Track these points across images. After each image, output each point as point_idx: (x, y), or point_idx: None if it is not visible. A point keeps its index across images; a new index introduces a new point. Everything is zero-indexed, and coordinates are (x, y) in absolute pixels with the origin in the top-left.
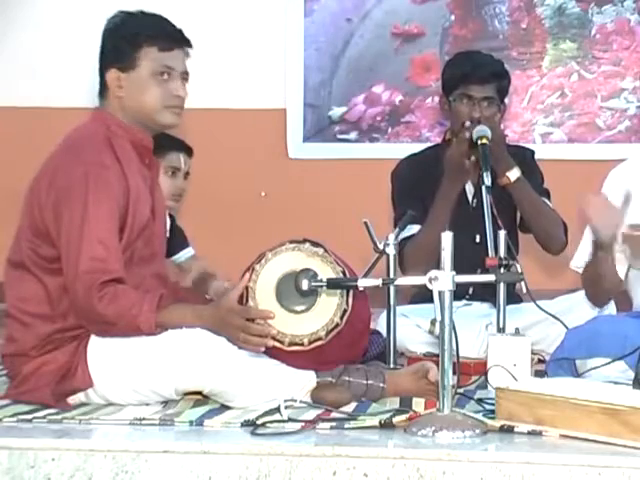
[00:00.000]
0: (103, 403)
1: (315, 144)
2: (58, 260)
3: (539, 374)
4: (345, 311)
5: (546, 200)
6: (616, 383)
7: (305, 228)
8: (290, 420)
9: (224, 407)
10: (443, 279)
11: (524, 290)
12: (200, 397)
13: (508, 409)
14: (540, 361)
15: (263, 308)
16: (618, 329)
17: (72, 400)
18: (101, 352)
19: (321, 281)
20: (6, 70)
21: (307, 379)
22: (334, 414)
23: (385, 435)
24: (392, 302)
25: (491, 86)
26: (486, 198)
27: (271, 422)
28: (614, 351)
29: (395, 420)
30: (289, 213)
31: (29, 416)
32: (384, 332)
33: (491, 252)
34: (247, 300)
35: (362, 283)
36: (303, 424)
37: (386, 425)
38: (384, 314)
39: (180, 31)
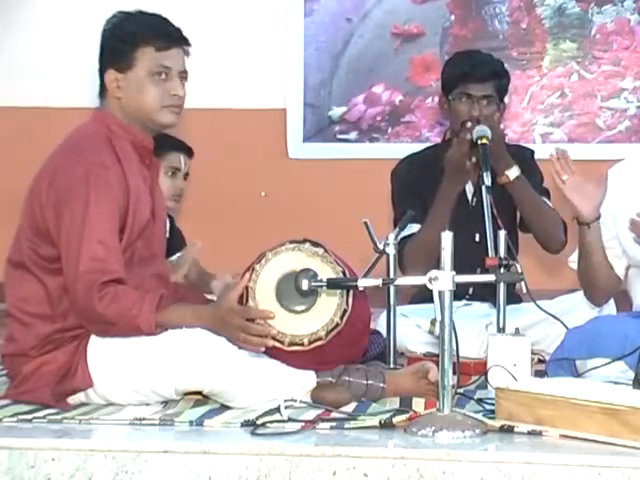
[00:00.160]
0: (103, 403)
1: (315, 144)
2: (58, 260)
3: (539, 374)
4: (345, 311)
5: (546, 200)
6: (616, 383)
7: (305, 228)
8: (290, 420)
9: (224, 407)
10: (443, 279)
11: (524, 290)
12: (200, 397)
13: (508, 409)
14: (540, 361)
15: (263, 308)
16: (618, 329)
17: (72, 400)
18: (101, 352)
19: (321, 281)
20: (6, 70)
21: (307, 379)
22: (334, 414)
23: (385, 435)
24: (392, 302)
25: (490, 85)
26: (486, 198)
27: (271, 422)
28: (614, 351)
29: (395, 420)
30: (289, 213)
31: (29, 416)
32: (384, 332)
33: (491, 252)
34: (247, 300)
35: (362, 283)
36: (303, 424)
37: (386, 425)
38: (384, 314)
39: (178, 30)
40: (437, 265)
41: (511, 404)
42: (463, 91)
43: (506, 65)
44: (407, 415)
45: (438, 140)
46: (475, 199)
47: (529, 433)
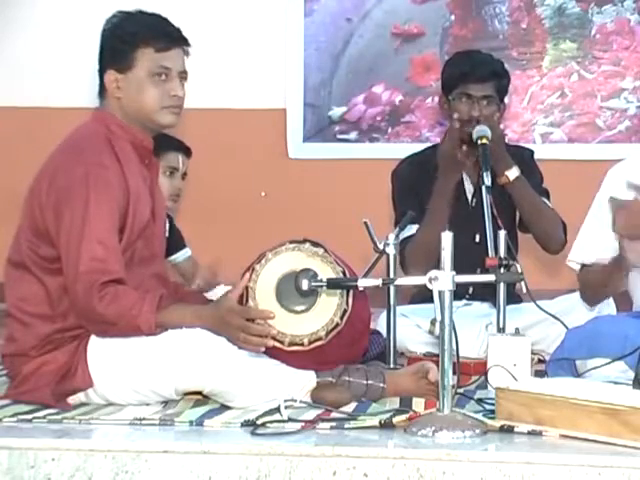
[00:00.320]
0: (103, 403)
1: (315, 144)
2: (58, 260)
3: (539, 374)
4: (345, 311)
5: (545, 200)
6: (616, 383)
7: (305, 228)
8: (290, 420)
9: (224, 407)
10: (443, 279)
11: (524, 290)
12: (200, 397)
13: (508, 409)
14: (540, 361)
15: (263, 308)
16: (618, 329)
17: (72, 400)
18: (101, 352)
19: (321, 281)
20: (6, 70)
21: (307, 379)
22: (334, 414)
23: (385, 435)
24: (392, 302)
25: (490, 85)
26: (486, 198)
27: (271, 422)
28: (614, 351)
29: (395, 420)
30: (289, 213)
31: (29, 416)
32: (384, 332)
33: (491, 252)
34: (247, 300)
35: (362, 283)
36: (303, 424)
37: (386, 425)
38: (384, 314)
39: (178, 30)
40: (437, 265)
41: (511, 404)
42: (463, 91)
43: (506, 65)
44: (407, 415)
45: (438, 140)
46: (475, 200)
47: (529, 433)
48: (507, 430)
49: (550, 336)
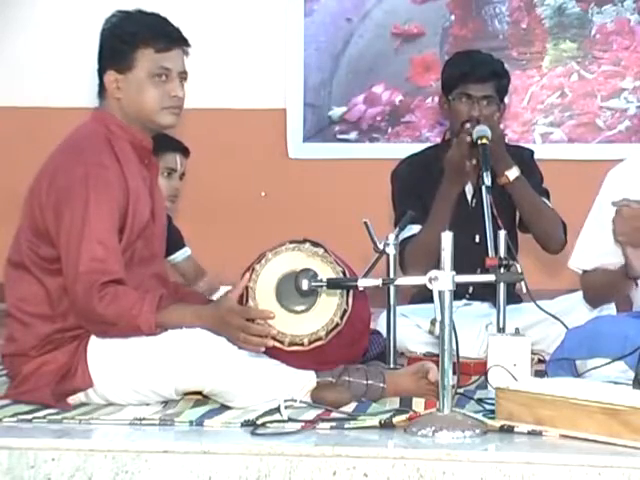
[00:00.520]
0: (103, 403)
1: (315, 144)
2: (58, 260)
3: (539, 374)
4: (345, 311)
5: (545, 200)
6: (616, 383)
7: (305, 228)
8: (290, 420)
9: (224, 407)
10: (443, 279)
11: (524, 290)
12: (200, 397)
13: (508, 409)
14: (540, 361)
15: (263, 308)
16: (618, 329)
17: (72, 400)
18: (101, 352)
19: (321, 281)
20: (6, 70)
21: (307, 379)
22: (334, 414)
23: (385, 435)
24: (392, 302)
25: (490, 85)
26: (486, 198)
27: (271, 422)
28: (614, 351)
29: (395, 420)
30: (289, 213)
31: (29, 416)
32: (384, 332)
33: (491, 252)
34: (247, 300)
35: (362, 283)
36: (303, 424)
37: (386, 425)
38: (384, 314)
39: (177, 30)
40: (438, 266)
41: (511, 404)
42: (463, 91)
43: (506, 65)
44: (407, 415)
45: (438, 140)
46: (475, 200)
47: (529, 433)
48: (507, 430)
49: (550, 336)
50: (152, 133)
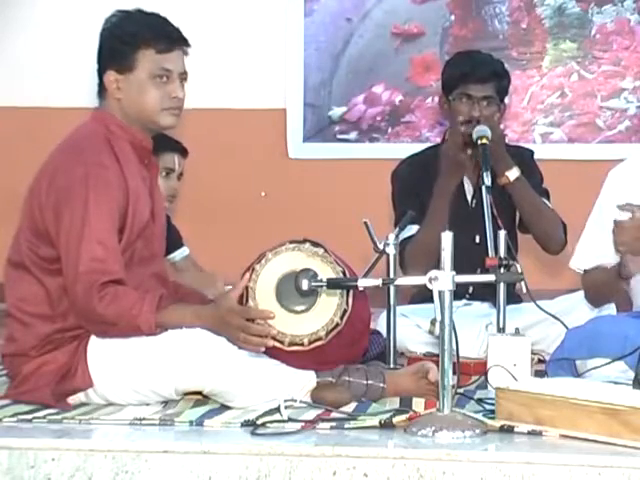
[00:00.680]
0: (103, 403)
1: (315, 144)
2: (58, 261)
3: (539, 374)
4: (345, 311)
5: (545, 200)
6: (616, 383)
7: (305, 228)
8: (290, 420)
9: (224, 407)
10: (443, 279)
11: (524, 290)
12: (200, 397)
13: (508, 409)
14: (540, 361)
15: (263, 308)
16: (618, 329)
17: (72, 400)
18: (101, 352)
19: (321, 281)
20: (6, 70)
21: (307, 379)
22: (334, 414)
23: (385, 435)
24: (392, 302)
25: (490, 85)
26: (486, 198)
27: (271, 422)
28: (614, 351)
29: (395, 420)
30: (289, 213)
31: (29, 416)
32: (384, 332)
33: (491, 252)
34: (247, 300)
35: (362, 283)
36: (303, 424)
37: (386, 425)
38: (384, 314)
39: (178, 31)
40: (437, 265)
41: (511, 404)
42: (463, 92)
43: (506, 65)
44: (407, 415)
45: (438, 140)
46: (475, 200)
47: (529, 433)
48: (507, 430)
49: (550, 336)
50: (152, 133)
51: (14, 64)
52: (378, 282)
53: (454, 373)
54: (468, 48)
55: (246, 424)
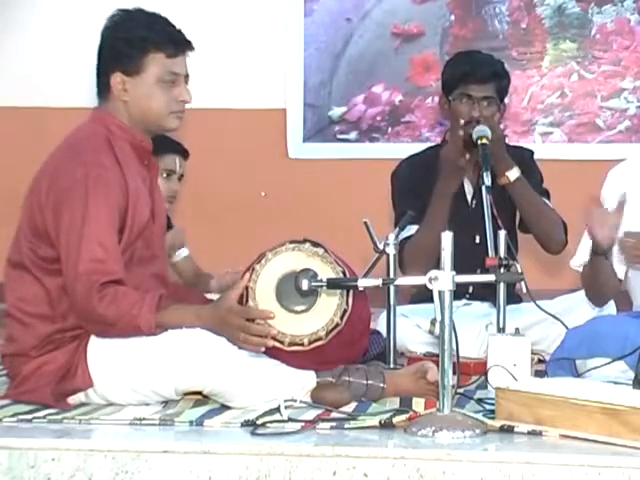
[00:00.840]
0: (103, 403)
1: (315, 144)
2: (57, 261)
3: (539, 374)
4: (345, 311)
5: (546, 200)
6: (616, 383)
7: (305, 228)
8: (290, 420)
9: (224, 407)
10: (443, 279)
11: (524, 290)
12: (200, 397)
13: (508, 409)
14: (540, 361)
15: (263, 308)
16: (618, 329)
17: (72, 400)
18: (101, 352)
19: (321, 281)
20: (6, 70)
21: (307, 379)
22: (334, 414)
23: (385, 435)
24: (392, 302)
25: (491, 86)
26: (486, 198)
27: (271, 422)
28: (614, 351)
29: (395, 420)
30: (289, 213)
31: (29, 416)
32: (384, 332)
33: (491, 252)
34: (247, 300)
35: (362, 283)
36: (303, 424)
37: (386, 425)
38: (384, 314)
39: (184, 35)
40: (437, 265)
41: (511, 404)
42: (463, 92)
43: (506, 65)
44: (407, 415)
45: (438, 140)
46: (475, 201)
47: (529, 433)
48: (507, 430)
49: (550, 336)
50: (152, 134)
51: (14, 64)
52: (378, 282)
53: (454, 373)
54: (468, 48)
55: (246, 424)
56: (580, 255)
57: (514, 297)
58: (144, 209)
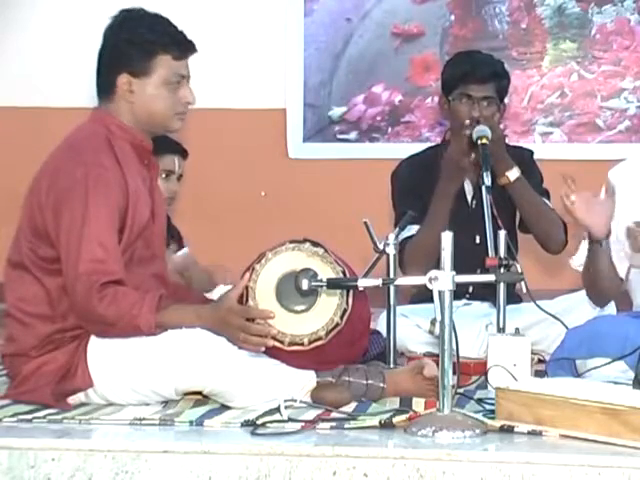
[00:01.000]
0: (103, 403)
1: (315, 144)
2: (57, 261)
3: (539, 374)
4: (345, 311)
5: (546, 200)
6: (616, 383)
7: (305, 228)
8: (290, 420)
9: (224, 407)
10: (443, 279)
11: (524, 290)
12: (200, 397)
13: (508, 409)
14: (540, 361)
15: (263, 308)
16: (618, 329)
17: (72, 400)
18: (101, 352)
19: (321, 281)
20: (6, 70)
21: (307, 379)
22: (334, 414)
23: (385, 435)
24: (392, 302)
25: (491, 86)
26: (486, 198)
27: (271, 422)
28: (614, 351)
29: (395, 420)
30: (289, 213)
31: (29, 416)
32: (384, 332)
33: (491, 252)
34: (247, 300)
35: (362, 283)
36: (303, 424)
37: (386, 425)
38: (384, 314)
39: (187, 37)
40: (437, 266)
41: (511, 404)
42: (463, 92)
43: (506, 65)
44: (407, 415)
45: (438, 140)
46: (475, 201)
47: (529, 433)
48: (507, 430)
49: (550, 336)
50: (154, 135)
51: (14, 64)
52: (378, 282)
53: (454, 373)
54: (468, 48)
55: (246, 424)
56: (580, 255)
57: (514, 297)
58: (144, 209)
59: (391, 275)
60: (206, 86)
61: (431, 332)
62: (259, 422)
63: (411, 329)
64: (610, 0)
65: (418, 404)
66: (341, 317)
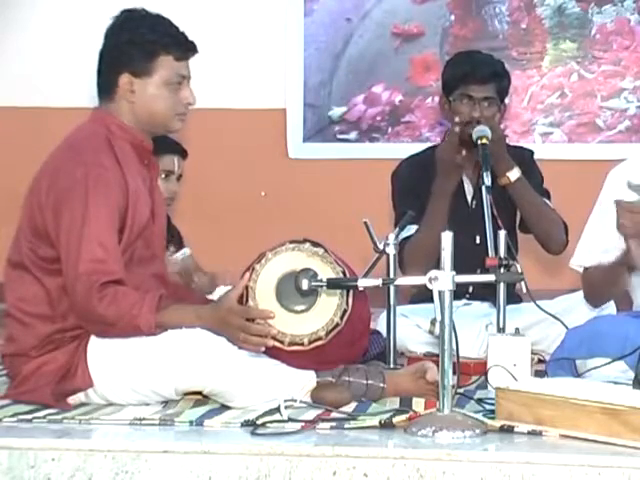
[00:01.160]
0: (103, 403)
1: (315, 144)
2: (57, 261)
3: (539, 374)
4: (345, 311)
5: (546, 200)
6: (616, 383)
7: (305, 228)
8: (290, 420)
9: (224, 407)
10: (443, 279)
11: (524, 290)
12: (200, 397)
13: (508, 409)
14: (540, 361)
15: (263, 308)
16: (618, 329)
17: (72, 400)
18: (101, 352)
19: (321, 281)
20: (6, 70)
21: (307, 379)
22: (334, 414)
23: (385, 435)
24: (392, 302)
25: (491, 86)
26: (486, 198)
27: (271, 422)
28: (614, 351)
29: (395, 420)
30: (289, 213)
31: (29, 416)
32: (384, 332)
33: (491, 252)
34: (247, 300)
35: (362, 283)
36: (303, 424)
37: (386, 425)
38: (384, 314)
39: (188, 38)
40: (437, 265)
41: (511, 404)
42: (464, 92)
43: (506, 65)
44: (407, 415)
45: (438, 140)
46: (475, 201)
47: (529, 433)
48: (507, 430)
49: (550, 336)
50: (154, 135)
51: (14, 64)
52: (378, 282)
53: (454, 373)
54: (468, 48)
55: (246, 424)
56: (581, 254)
57: (514, 297)
58: (144, 209)
59: (391, 275)
60: (206, 86)
61: (431, 332)
62: (259, 422)
63: (411, 329)
64: (610, 0)
65: (418, 404)
66: (341, 317)
